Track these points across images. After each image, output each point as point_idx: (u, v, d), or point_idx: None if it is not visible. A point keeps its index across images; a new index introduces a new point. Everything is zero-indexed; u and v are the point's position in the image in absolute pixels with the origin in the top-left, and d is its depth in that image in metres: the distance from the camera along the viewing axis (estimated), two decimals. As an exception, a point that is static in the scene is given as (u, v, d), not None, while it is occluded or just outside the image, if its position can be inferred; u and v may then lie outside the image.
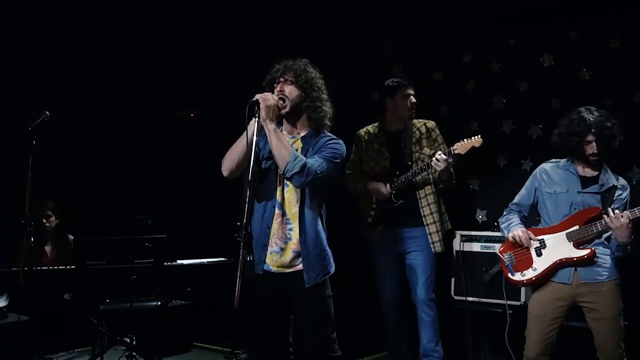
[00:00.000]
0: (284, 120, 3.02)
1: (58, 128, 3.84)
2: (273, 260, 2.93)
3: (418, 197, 4.02)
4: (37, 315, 4.01)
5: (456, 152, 3.70)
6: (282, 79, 2.93)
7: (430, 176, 3.97)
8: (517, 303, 4.05)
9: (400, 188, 3.99)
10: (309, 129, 2.98)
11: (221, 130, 5.09)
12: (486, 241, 4.25)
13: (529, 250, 3.33)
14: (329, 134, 2.98)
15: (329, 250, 2.98)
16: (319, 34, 5.25)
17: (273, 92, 2.94)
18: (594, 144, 3.17)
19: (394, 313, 4.11)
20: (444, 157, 3.70)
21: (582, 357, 3.52)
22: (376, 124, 4.20)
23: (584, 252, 3.18)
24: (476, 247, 4.28)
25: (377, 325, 4.24)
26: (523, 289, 4.03)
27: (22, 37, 5.10)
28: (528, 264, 3.32)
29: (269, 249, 2.93)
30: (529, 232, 3.35)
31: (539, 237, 3.32)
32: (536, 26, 4.54)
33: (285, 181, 2.92)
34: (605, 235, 3.23)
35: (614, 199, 3.20)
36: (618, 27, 4.22)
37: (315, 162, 2.83)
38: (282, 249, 2.91)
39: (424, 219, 4.00)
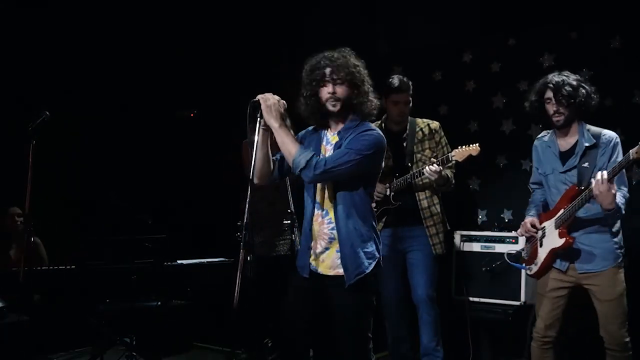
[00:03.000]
0: (331, 118, 2.88)
1: (58, 128, 3.85)
2: (320, 261, 2.85)
3: (417, 198, 4.02)
4: (37, 315, 4.01)
5: (454, 158, 3.69)
6: (332, 79, 2.77)
7: (428, 180, 3.95)
8: (517, 303, 4.05)
9: (398, 189, 3.98)
10: (349, 121, 2.85)
11: (221, 130, 5.12)
12: (486, 241, 4.25)
13: (537, 241, 3.29)
14: (367, 124, 2.85)
15: (366, 249, 2.80)
16: (320, 33, 5.25)
17: (319, 91, 2.80)
18: (553, 101, 3.08)
19: (395, 312, 4.10)
20: (436, 168, 3.68)
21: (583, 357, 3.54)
22: (379, 122, 4.19)
23: (561, 242, 3.09)
24: (476, 247, 4.28)
25: (377, 325, 4.23)
26: (523, 289, 4.03)
27: (22, 37, 5.10)
28: (534, 256, 3.29)
29: (314, 250, 2.86)
30: (535, 221, 3.29)
31: (542, 225, 3.26)
32: (536, 26, 4.53)
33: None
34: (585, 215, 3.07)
35: (595, 163, 3.03)
36: (618, 27, 4.22)
37: (332, 155, 2.75)
38: (327, 249, 2.84)
39: (424, 220, 3.99)
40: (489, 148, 4.61)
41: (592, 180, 2.90)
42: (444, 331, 4.03)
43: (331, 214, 2.82)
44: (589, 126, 3.17)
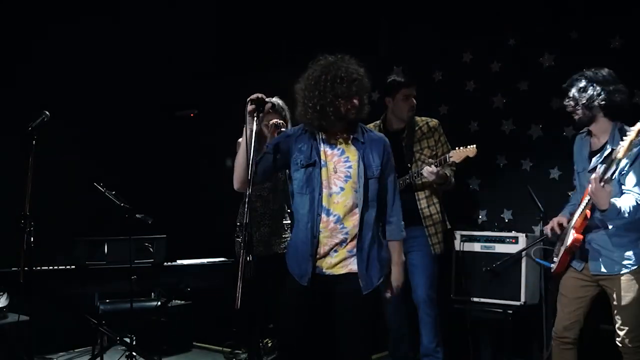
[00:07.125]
0: (338, 126, 2.93)
1: (59, 128, 3.84)
2: (327, 263, 2.85)
3: (417, 197, 4.01)
4: (37, 315, 4.01)
5: (451, 159, 3.70)
6: (353, 93, 2.86)
7: (427, 179, 3.95)
8: (517, 303, 4.05)
9: (398, 190, 3.98)
10: (357, 129, 2.99)
11: (221, 130, 5.11)
12: (486, 241, 4.25)
13: (562, 238, 3.24)
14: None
15: (381, 258, 2.89)
16: (320, 33, 5.25)
17: (340, 103, 2.85)
18: (569, 101, 3.11)
19: (395, 312, 4.10)
20: (434, 169, 3.71)
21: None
22: (378, 122, 4.18)
23: (570, 239, 3.06)
24: (476, 247, 4.29)
25: (377, 325, 4.24)
26: (523, 289, 4.04)
27: (22, 36, 5.10)
28: (558, 254, 3.24)
29: (320, 254, 2.84)
30: (562, 219, 3.24)
31: (570, 223, 3.19)
32: (536, 26, 4.53)
33: (336, 184, 2.84)
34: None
35: (616, 168, 2.90)
36: (618, 27, 4.22)
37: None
38: (336, 251, 2.84)
39: (423, 220, 3.99)
40: (489, 148, 4.62)
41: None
42: (444, 331, 4.03)
43: (346, 222, 2.82)
44: (625, 127, 3.04)
